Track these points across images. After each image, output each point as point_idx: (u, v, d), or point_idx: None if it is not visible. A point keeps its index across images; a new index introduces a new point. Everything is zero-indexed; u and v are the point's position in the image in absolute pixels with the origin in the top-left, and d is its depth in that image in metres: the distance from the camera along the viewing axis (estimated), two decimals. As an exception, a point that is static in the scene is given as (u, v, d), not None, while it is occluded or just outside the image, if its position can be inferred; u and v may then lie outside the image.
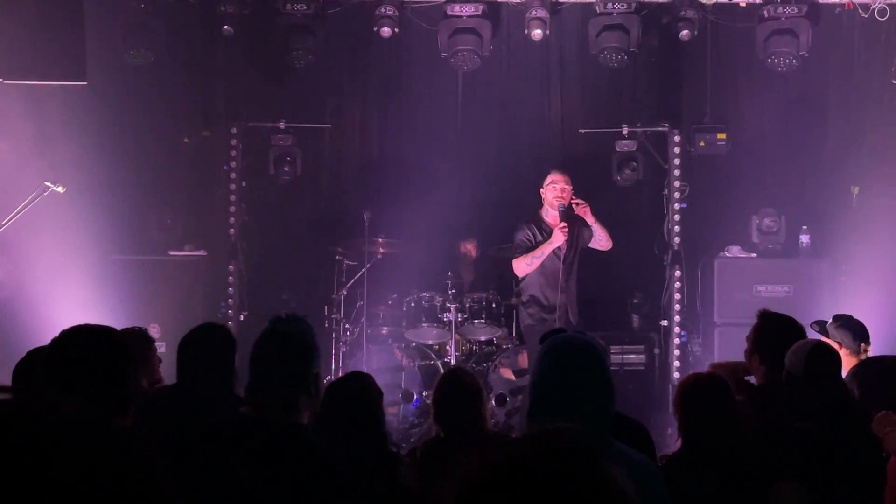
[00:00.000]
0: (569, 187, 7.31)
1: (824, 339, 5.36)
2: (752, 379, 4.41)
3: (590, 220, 7.33)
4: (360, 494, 3.21)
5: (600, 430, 2.66)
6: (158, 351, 4.71)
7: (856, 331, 5.12)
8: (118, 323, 4.65)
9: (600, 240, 7.43)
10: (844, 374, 4.46)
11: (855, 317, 5.27)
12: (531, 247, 7.26)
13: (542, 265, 7.26)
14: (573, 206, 7.26)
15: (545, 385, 2.72)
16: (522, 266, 7.32)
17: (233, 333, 4.35)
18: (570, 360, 2.70)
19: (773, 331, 4.33)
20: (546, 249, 7.19)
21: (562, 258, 7.26)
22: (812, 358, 3.86)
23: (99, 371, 2.66)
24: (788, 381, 3.90)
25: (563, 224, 7.14)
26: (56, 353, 2.71)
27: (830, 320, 5.26)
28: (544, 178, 7.40)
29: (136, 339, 4.40)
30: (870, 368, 4.64)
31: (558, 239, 7.14)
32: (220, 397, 3.86)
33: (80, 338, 2.74)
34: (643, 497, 2.65)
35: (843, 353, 5.10)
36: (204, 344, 4.12)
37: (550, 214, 7.33)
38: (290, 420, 3.04)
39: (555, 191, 7.28)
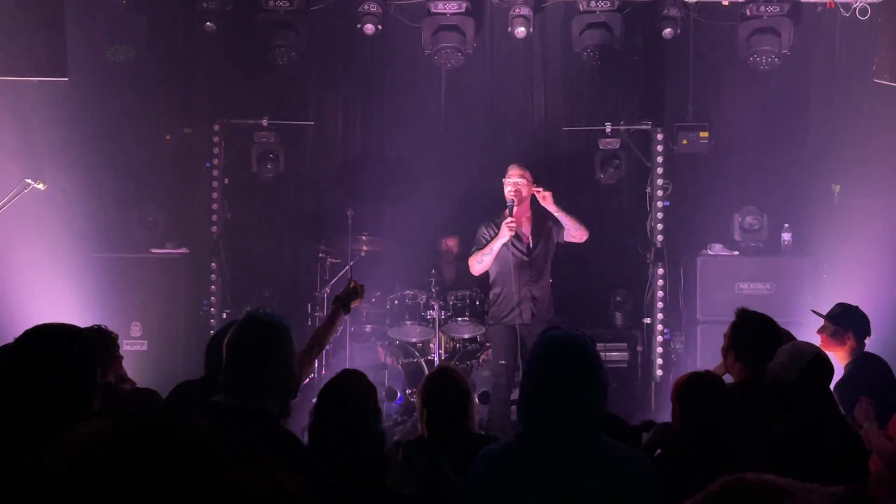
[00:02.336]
0: (524, 180, 7.23)
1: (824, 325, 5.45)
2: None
3: (552, 208, 7.22)
4: (346, 498, 3.20)
5: (587, 424, 2.70)
6: (139, 349, 4.70)
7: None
8: (100, 321, 4.63)
9: (570, 230, 7.30)
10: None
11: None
12: (480, 241, 7.27)
13: (501, 261, 7.21)
14: (539, 198, 7.18)
15: (532, 382, 2.75)
16: (475, 264, 7.31)
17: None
18: (556, 356, 2.74)
19: (751, 330, 4.35)
20: (494, 246, 7.14)
21: (524, 253, 7.22)
22: (811, 369, 3.85)
23: (62, 370, 2.66)
24: (776, 385, 3.89)
25: (510, 219, 7.04)
26: (19, 351, 2.69)
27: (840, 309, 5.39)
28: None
29: (101, 338, 4.38)
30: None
31: (504, 234, 7.06)
32: None
33: (44, 337, 2.73)
34: (634, 489, 2.67)
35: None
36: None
37: (514, 212, 7.26)
38: (260, 406, 3.07)
39: (507, 185, 7.25)
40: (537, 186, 7.25)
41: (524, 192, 7.23)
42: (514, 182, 7.22)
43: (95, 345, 2.89)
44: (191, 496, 0.92)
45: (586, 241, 7.42)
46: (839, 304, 5.65)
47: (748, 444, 3.62)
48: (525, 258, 7.23)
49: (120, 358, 4.54)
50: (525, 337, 7.05)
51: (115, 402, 4.18)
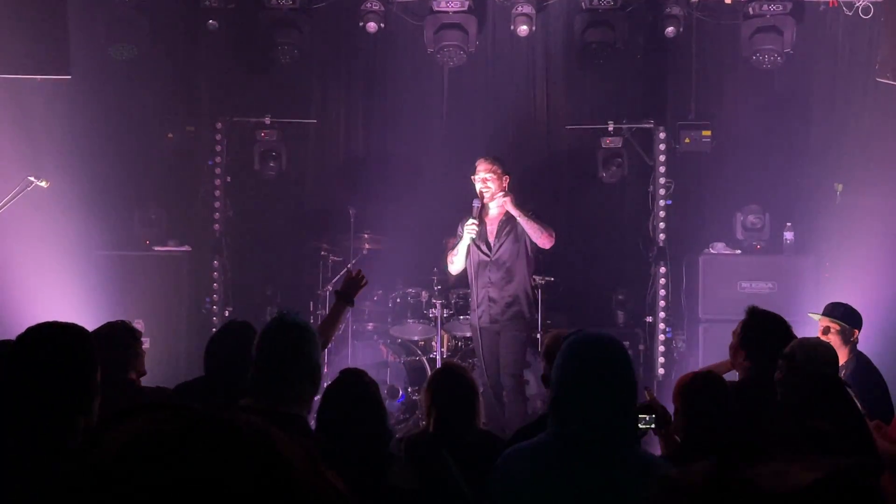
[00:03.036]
0: (493, 175, 6.92)
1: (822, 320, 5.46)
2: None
3: (514, 212, 6.85)
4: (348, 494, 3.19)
5: (621, 427, 2.66)
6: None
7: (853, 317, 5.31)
8: (102, 318, 4.63)
9: (531, 235, 6.87)
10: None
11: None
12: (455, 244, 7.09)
13: (471, 261, 7.01)
14: (499, 204, 6.89)
15: (565, 383, 2.71)
16: (448, 264, 7.19)
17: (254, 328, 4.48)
18: (597, 358, 2.69)
19: (762, 328, 4.35)
20: (460, 247, 6.97)
21: (485, 253, 6.97)
22: (822, 357, 3.86)
23: (63, 368, 2.64)
24: (817, 381, 3.88)
25: (471, 221, 6.81)
26: (20, 349, 2.68)
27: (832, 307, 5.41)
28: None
29: (122, 333, 4.38)
30: None
31: (465, 236, 6.86)
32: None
33: (45, 335, 2.71)
34: None
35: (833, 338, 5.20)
36: (233, 339, 4.34)
37: (487, 208, 7.03)
38: (289, 410, 3.06)
39: (475, 182, 6.98)
40: (507, 176, 6.96)
41: (495, 187, 6.91)
42: (483, 178, 6.92)
43: (96, 343, 2.85)
44: (255, 496, 0.90)
45: (552, 247, 7.05)
46: (842, 305, 5.65)
47: (753, 442, 3.61)
48: (485, 258, 6.98)
49: (142, 354, 4.51)
50: (481, 339, 6.98)
51: (133, 399, 4.18)
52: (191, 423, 0.94)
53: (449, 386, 4.00)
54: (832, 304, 5.69)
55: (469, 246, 6.98)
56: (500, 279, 6.95)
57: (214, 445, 0.92)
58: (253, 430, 0.95)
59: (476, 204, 6.87)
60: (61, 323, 2.77)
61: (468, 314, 7.94)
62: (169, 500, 0.88)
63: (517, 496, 2.68)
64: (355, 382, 3.69)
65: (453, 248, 7.04)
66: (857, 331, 5.50)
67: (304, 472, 0.94)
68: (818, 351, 3.91)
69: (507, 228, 6.95)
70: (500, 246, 6.95)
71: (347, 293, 4.72)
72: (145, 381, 4.67)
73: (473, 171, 7.04)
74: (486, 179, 6.91)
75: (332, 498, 0.96)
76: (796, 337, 4.40)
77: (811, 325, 5.88)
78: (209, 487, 0.89)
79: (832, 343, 5.26)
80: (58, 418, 2.57)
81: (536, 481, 2.66)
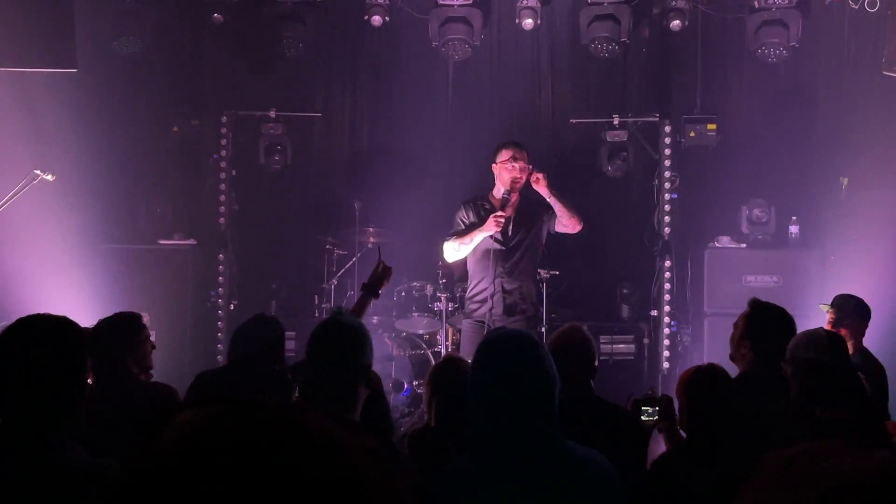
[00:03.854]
0: (528, 167, 6.46)
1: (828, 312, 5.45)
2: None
3: (544, 192, 6.41)
4: None
5: (542, 426, 2.57)
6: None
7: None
8: (107, 312, 4.64)
9: (562, 218, 6.49)
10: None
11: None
12: (464, 230, 6.54)
13: (477, 250, 6.51)
14: (532, 180, 6.41)
15: (478, 384, 2.65)
16: (450, 251, 6.58)
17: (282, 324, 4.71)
18: (502, 356, 2.62)
19: (766, 320, 4.35)
20: (476, 237, 6.41)
21: (501, 242, 6.46)
22: (833, 345, 3.85)
23: (48, 364, 2.54)
24: (813, 370, 3.88)
25: (499, 213, 6.34)
26: (6, 342, 2.59)
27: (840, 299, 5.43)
28: (534, 168, 7.15)
29: (124, 325, 4.38)
30: None
31: (490, 227, 6.34)
32: (266, 382, 3.99)
33: (29, 327, 2.61)
34: (598, 494, 2.57)
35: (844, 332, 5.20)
36: (259, 330, 4.50)
37: (501, 194, 6.57)
38: (346, 416, 3.00)
39: (513, 171, 6.44)
40: (532, 169, 6.49)
41: (523, 179, 6.46)
42: (522, 167, 6.43)
43: (84, 335, 2.75)
44: (323, 496, 0.88)
45: (580, 231, 6.72)
46: (852, 297, 5.63)
47: (758, 436, 3.61)
48: (501, 247, 6.48)
49: (142, 346, 4.45)
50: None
51: (130, 392, 4.18)
52: (259, 421, 0.92)
53: (449, 379, 3.99)
54: (842, 295, 5.67)
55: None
56: (515, 270, 6.55)
57: (281, 444, 0.90)
58: (320, 430, 0.93)
59: (506, 194, 6.45)
60: (46, 315, 2.68)
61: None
62: (231, 499, 0.86)
63: None
64: None
65: (463, 236, 6.49)
66: (866, 323, 5.49)
67: (373, 475, 0.92)
68: (819, 340, 3.91)
69: (528, 216, 6.54)
70: (517, 234, 6.53)
71: (374, 286, 4.85)
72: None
73: (493, 158, 6.61)
74: (524, 168, 6.42)
75: (399, 501, 0.94)
76: (797, 329, 4.41)
77: (816, 318, 5.88)
78: (276, 488, 0.87)
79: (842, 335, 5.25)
80: (41, 410, 2.50)
81: (465, 493, 2.58)
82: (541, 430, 2.57)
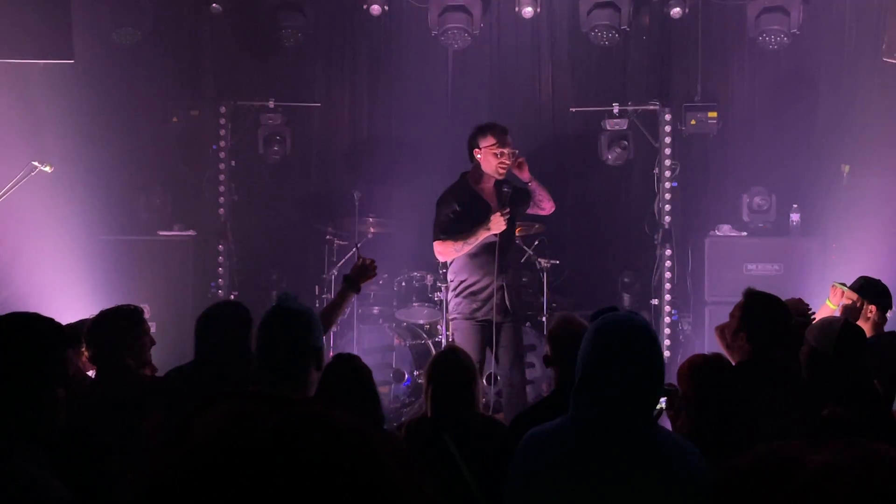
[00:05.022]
0: (515, 152, 6.08)
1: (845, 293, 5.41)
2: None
3: (526, 177, 6.16)
4: None
5: (644, 411, 2.66)
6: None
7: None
8: (107, 304, 4.63)
9: (542, 201, 6.23)
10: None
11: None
12: (455, 224, 6.04)
13: (476, 246, 6.06)
14: (515, 165, 6.08)
15: (589, 365, 2.69)
16: (450, 252, 6.11)
17: (249, 311, 4.32)
18: (625, 341, 2.67)
19: (762, 309, 4.34)
20: (481, 234, 5.97)
21: (504, 236, 6.05)
22: (843, 338, 3.83)
23: (19, 361, 2.38)
24: (814, 360, 3.87)
25: (506, 209, 5.93)
26: None
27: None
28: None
29: (122, 318, 4.36)
30: None
31: (499, 227, 5.91)
32: (237, 375, 3.88)
33: (3, 326, 2.45)
34: (687, 482, 2.59)
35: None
36: (222, 321, 4.19)
37: (485, 182, 6.14)
38: (295, 394, 3.03)
39: (501, 156, 6.02)
40: (515, 152, 6.09)
41: (508, 165, 6.09)
42: (511, 152, 6.03)
43: (61, 335, 2.53)
44: (353, 493, 0.89)
45: (552, 213, 6.47)
46: (862, 278, 5.58)
47: (764, 426, 3.60)
48: (500, 242, 6.03)
49: (140, 339, 4.39)
50: (497, 335, 6.04)
51: (125, 385, 4.16)
52: (292, 416, 0.93)
53: (446, 370, 4.01)
54: (859, 277, 5.58)
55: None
56: (511, 264, 6.26)
57: (313, 441, 0.91)
58: (351, 427, 0.93)
59: (507, 189, 6.03)
60: (21, 314, 2.53)
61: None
62: (264, 494, 0.87)
63: (537, 479, 2.66)
64: (348, 367, 3.72)
65: (467, 236, 6.02)
66: (873, 307, 5.37)
67: (398, 472, 0.93)
68: (831, 331, 3.89)
69: (506, 203, 6.07)
70: (511, 228, 6.21)
71: (355, 280, 4.71)
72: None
73: (475, 143, 6.13)
74: (512, 153, 6.04)
75: (423, 499, 0.95)
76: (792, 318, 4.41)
77: (817, 306, 5.85)
78: (307, 483, 0.88)
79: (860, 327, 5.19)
80: (13, 410, 2.36)
81: (556, 464, 2.63)
82: (646, 416, 2.66)
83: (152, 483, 0.90)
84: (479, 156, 6.12)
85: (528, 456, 2.70)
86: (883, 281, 5.51)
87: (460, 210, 6.07)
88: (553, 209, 6.39)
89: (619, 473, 2.57)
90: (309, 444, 0.90)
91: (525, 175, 6.19)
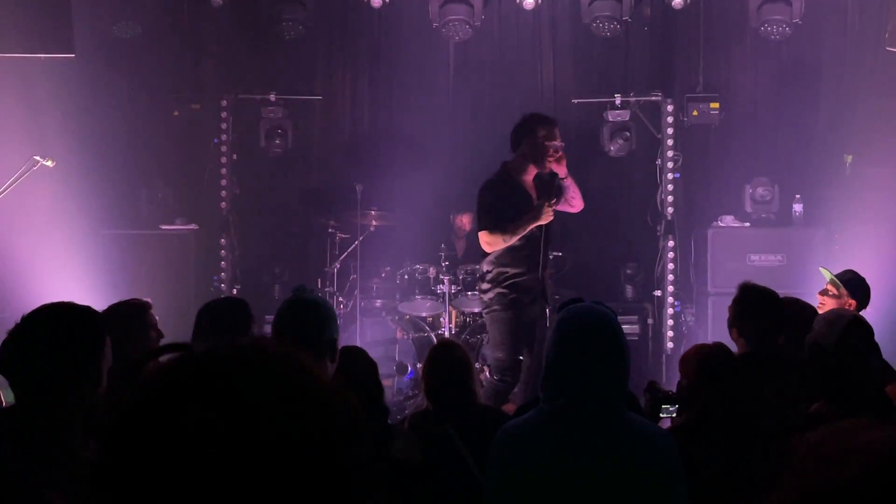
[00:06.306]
0: (562, 145, 6.05)
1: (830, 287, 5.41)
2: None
3: (563, 172, 6.02)
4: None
5: (613, 399, 2.69)
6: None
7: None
8: (109, 297, 4.63)
9: (573, 198, 6.15)
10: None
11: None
12: (502, 213, 5.93)
13: (525, 237, 5.95)
14: (558, 158, 6.00)
15: (556, 356, 2.74)
16: (498, 242, 5.93)
17: (249, 305, 4.33)
18: (584, 331, 2.72)
19: (751, 303, 4.35)
20: (529, 225, 5.87)
21: (542, 229, 5.94)
22: (849, 332, 3.79)
23: (66, 350, 2.64)
24: (814, 352, 3.85)
25: (553, 199, 5.91)
26: (24, 331, 2.66)
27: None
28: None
29: (127, 312, 4.36)
30: None
31: (548, 218, 5.86)
32: None
33: (49, 316, 2.70)
34: (658, 467, 2.65)
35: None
36: (222, 316, 4.23)
37: (528, 174, 6.05)
38: None
39: (552, 149, 5.98)
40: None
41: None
42: (560, 145, 5.97)
43: (105, 324, 2.85)
44: (291, 402, 0.97)
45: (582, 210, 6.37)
46: (850, 271, 5.58)
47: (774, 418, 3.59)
48: (537, 231, 5.95)
49: (146, 334, 4.41)
50: (536, 333, 5.92)
51: (128, 379, 4.16)
52: (231, 347, 1.01)
53: (439, 363, 4.06)
54: (847, 270, 5.61)
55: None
56: (548, 259, 6.09)
57: (253, 361, 0.99)
58: (283, 351, 1.02)
59: (556, 181, 5.94)
60: (64, 303, 2.77)
61: (475, 290, 7.24)
62: (217, 408, 0.94)
63: (511, 472, 2.71)
64: (352, 360, 3.73)
65: (516, 228, 5.89)
66: (852, 301, 5.36)
67: (330, 385, 1.02)
68: (819, 323, 3.87)
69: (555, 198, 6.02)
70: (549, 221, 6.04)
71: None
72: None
73: (529, 132, 6.02)
74: (560, 146, 5.96)
75: (351, 406, 1.02)
76: (793, 306, 4.40)
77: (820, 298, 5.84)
78: (251, 396, 0.95)
79: (827, 306, 5.20)
80: (59, 400, 2.58)
81: (528, 456, 2.69)
82: (613, 404, 2.69)
83: (109, 424, 0.98)
84: (530, 146, 6.02)
85: (502, 449, 2.75)
86: (886, 270, 5.52)
87: (507, 201, 5.95)
88: (582, 207, 6.27)
89: (588, 461, 2.63)
90: (249, 364, 0.99)
91: (563, 170, 6.04)
